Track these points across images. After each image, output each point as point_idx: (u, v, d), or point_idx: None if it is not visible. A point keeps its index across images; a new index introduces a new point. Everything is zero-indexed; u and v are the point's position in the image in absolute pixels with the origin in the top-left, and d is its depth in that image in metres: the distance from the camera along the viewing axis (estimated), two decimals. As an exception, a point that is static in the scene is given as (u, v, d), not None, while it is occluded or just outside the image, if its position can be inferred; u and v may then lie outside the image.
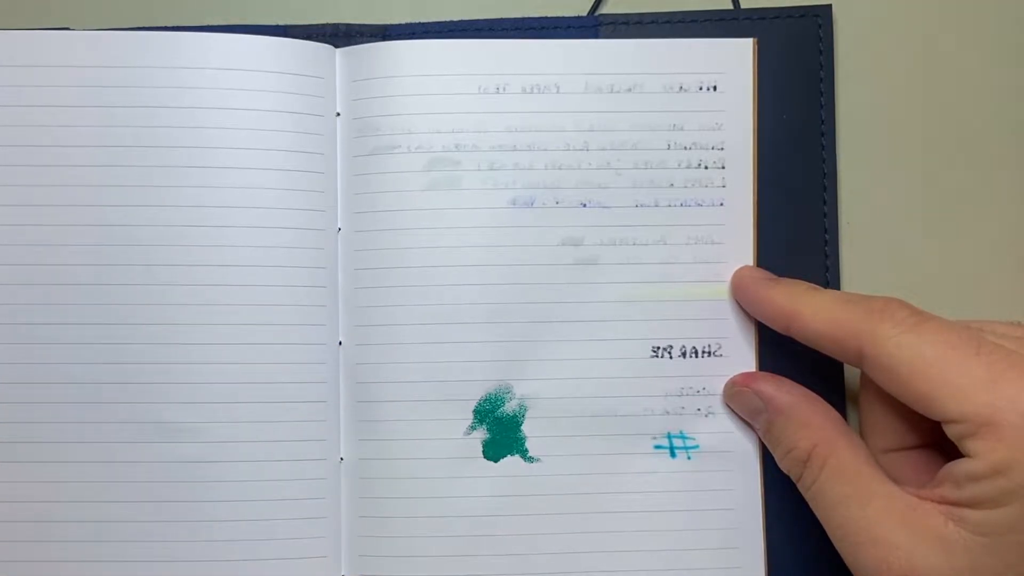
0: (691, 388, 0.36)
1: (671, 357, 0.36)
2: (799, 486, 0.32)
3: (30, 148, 0.36)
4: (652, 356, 0.36)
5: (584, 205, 0.36)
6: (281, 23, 0.38)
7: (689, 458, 0.36)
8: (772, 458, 0.34)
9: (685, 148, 0.37)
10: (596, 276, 0.36)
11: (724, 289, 0.36)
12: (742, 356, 0.36)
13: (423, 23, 0.38)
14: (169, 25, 0.38)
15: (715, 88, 0.37)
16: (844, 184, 0.38)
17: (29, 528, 0.36)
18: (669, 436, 0.36)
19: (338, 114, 0.37)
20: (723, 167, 0.37)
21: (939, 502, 0.28)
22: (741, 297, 0.36)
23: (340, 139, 0.37)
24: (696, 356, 0.36)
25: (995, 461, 0.27)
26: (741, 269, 0.36)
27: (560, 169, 0.36)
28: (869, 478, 0.30)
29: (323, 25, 0.38)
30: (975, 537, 0.27)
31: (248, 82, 0.36)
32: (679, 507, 0.36)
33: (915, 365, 0.28)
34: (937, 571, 0.28)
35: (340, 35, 0.37)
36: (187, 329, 0.36)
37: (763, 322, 0.35)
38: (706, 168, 0.37)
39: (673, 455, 0.36)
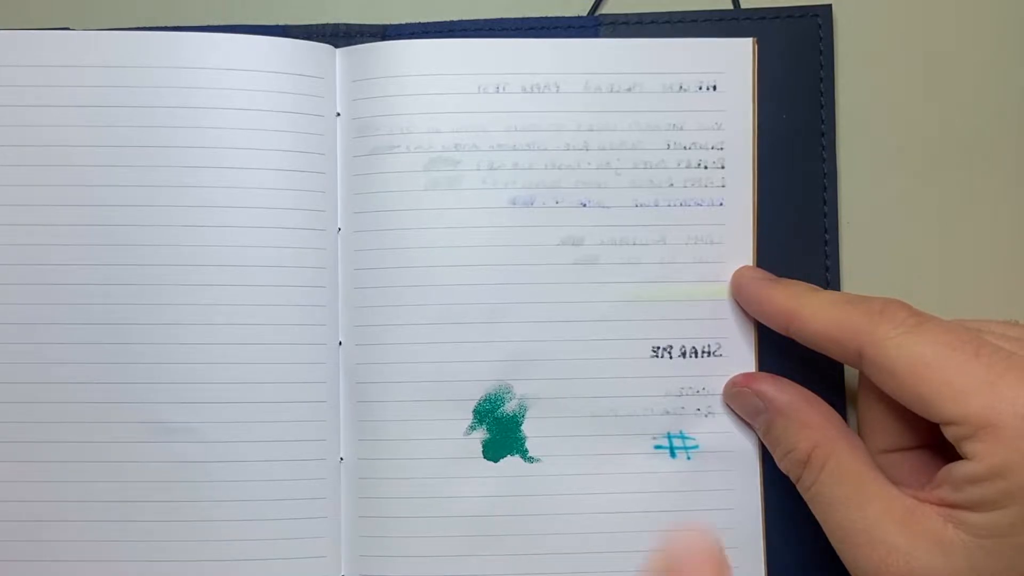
0: (691, 388, 0.36)
1: (671, 357, 0.36)
2: (798, 487, 0.32)
3: (29, 148, 0.36)
4: (652, 356, 0.36)
5: (584, 205, 0.36)
6: (281, 23, 0.38)
7: (689, 458, 0.36)
8: (772, 458, 0.34)
9: (685, 148, 0.37)
10: (596, 276, 0.36)
11: (724, 289, 0.36)
12: (742, 356, 0.36)
13: (423, 23, 0.38)
14: (169, 25, 0.38)
15: (715, 88, 0.37)
16: (844, 184, 0.38)
17: (28, 528, 0.36)
18: (669, 436, 0.36)
19: (338, 114, 0.37)
20: (723, 167, 0.36)
21: (938, 504, 0.28)
22: (741, 297, 0.36)
23: (340, 139, 0.37)
24: (696, 356, 0.36)
25: (994, 463, 0.27)
26: (741, 269, 0.36)
27: (560, 169, 0.36)
28: (869, 480, 0.30)
29: (323, 25, 0.37)
30: (974, 539, 0.27)
31: (248, 82, 0.36)
32: (679, 507, 0.36)
33: (914, 366, 0.28)
34: (936, 573, 0.27)
35: (340, 35, 0.37)
36: (187, 329, 0.36)
37: (762, 322, 0.35)
38: (706, 168, 0.37)
39: (673, 455, 0.36)
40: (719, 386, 0.36)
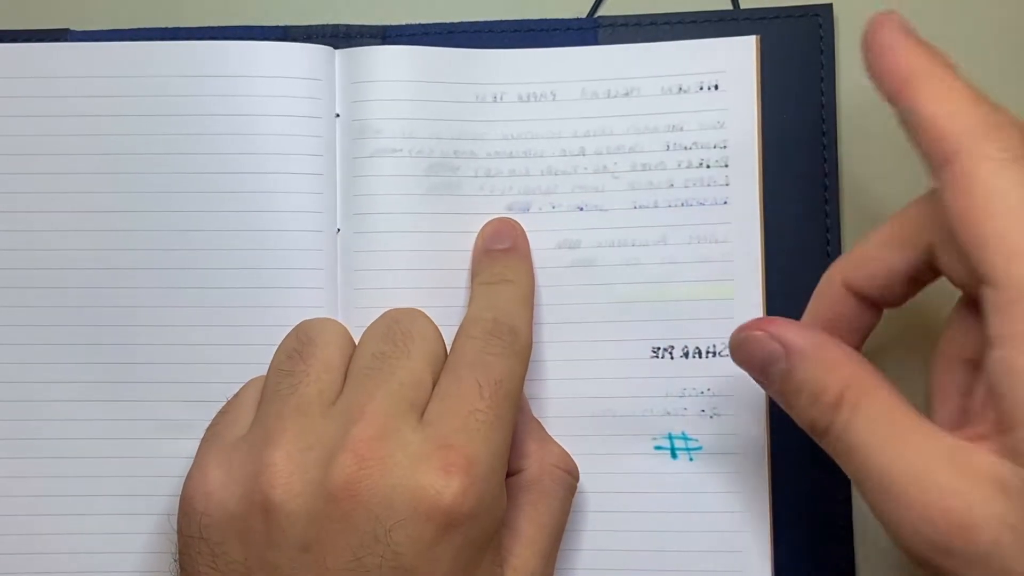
0: (694, 389, 0.36)
1: (672, 357, 0.36)
2: (824, 440, 0.28)
3: (31, 156, 0.37)
4: (652, 356, 0.36)
5: (581, 209, 0.36)
6: (281, 23, 0.38)
7: (691, 459, 0.36)
8: (780, 460, 0.33)
9: (685, 148, 0.36)
10: (594, 277, 0.36)
11: (730, 288, 0.36)
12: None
13: (423, 24, 0.38)
14: (168, 25, 0.38)
15: (716, 87, 0.36)
16: (845, 184, 0.37)
17: (28, 523, 0.36)
18: (670, 437, 0.36)
19: (337, 115, 0.37)
20: (726, 165, 0.36)
21: (984, 440, 0.25)
22: (870, 39, 0.29)
23: (339, 141, 0.37)
24: (699, 356, 0.36)
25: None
26: (880, 13, 0.29)
27: (556, 175, 0.36)
28: (908, 419, 0.27)
29: (323, 26, 0.37)
30: None
31: (247, 86, 0.36)
32: (680, 508, 0.35)
33: (991, 198, 0.25)
34: (999, 518, 0.24)
35: (340, 36, 0.37)
36: (187, 330, 0.36)
37: (870, 72, 0.29)
38: (708, 167, 0.36)
39: (674, 456, 0.36)
40: (723, 387, 0.36)
